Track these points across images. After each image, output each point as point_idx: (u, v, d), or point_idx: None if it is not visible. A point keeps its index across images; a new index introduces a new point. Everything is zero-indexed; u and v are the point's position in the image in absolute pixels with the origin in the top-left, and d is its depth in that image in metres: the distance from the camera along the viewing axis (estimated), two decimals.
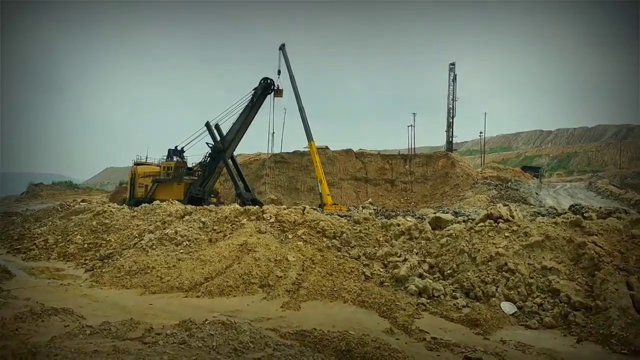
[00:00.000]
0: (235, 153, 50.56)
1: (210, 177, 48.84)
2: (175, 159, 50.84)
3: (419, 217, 23.24)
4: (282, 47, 49.91)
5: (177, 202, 26.38)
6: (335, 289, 14.19)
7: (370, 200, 46.39)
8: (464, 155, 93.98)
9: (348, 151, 71.23)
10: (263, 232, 17.63)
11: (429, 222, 16.51)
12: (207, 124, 48.24)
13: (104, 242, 22.48)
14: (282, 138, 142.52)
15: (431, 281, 13.67)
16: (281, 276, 15.03)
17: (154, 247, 18.73)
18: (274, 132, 79.01)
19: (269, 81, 48.95)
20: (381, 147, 76.95)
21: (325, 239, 16.92)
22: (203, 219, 19.76)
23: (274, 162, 70.55)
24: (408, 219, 17.76)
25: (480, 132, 79.85)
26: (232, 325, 8.73)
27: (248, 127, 49.81)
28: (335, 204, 51.75)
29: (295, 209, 19.03)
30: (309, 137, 51.24)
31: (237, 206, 21.73)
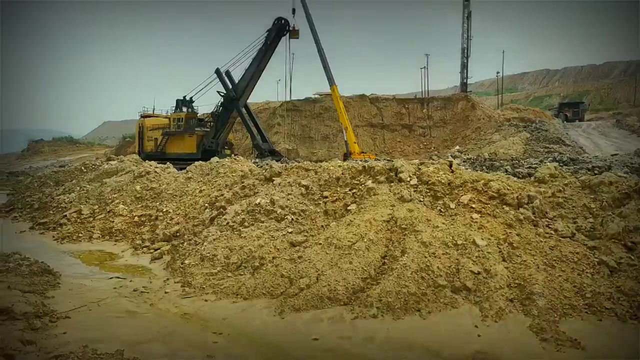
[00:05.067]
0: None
1: (224, 128, 43.73)
2: (184, 109, 45.00)
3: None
4: None
5: (241, 158, 20.16)
6: (584, 295, 8.46)
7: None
8: None
9: (362, 97, 64.19)
10: (408, 200, 11.66)
11: None
12: (218, 71, 42.63)
13: (160, 213, 16.40)
14: (291, 85, 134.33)
15: None
16: (479, 272, 9.21)
17: (246, 223, 12.72)
18: (279, 80, 72.08)
19: (283, 21, 42.71)
20: (394, 93, 69.95)
21: (507, 208, 11.02)
22: (304, 182, 13.67)
23: (285, 110, 63.68)
24: (619, 174, 11.88)
25: (498, 72, 73.08)
26: None
27: (262, 72, 44.28)
28: (363, 152, 46.18)
29: (439, 164, 12.98)
30: (331, 81, 45.33)
31: (338, 161, 15.60)
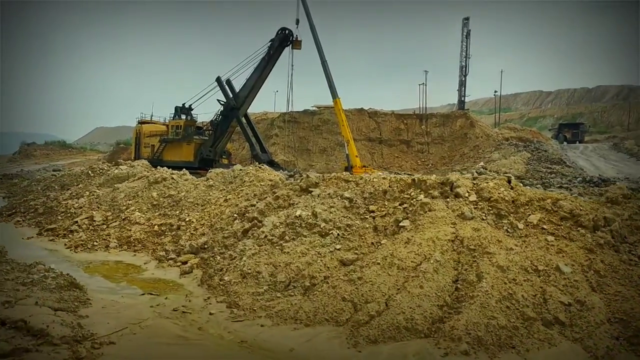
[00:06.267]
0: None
1: (222, 137, 42.21)
2: (183, 117, 43.50)
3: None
4: None
5: (266, 166, 18.87)
6: None
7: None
8: None
9: (360, 110, 63.06)
10: (469, 218, 10.53)
11: None
12: (218, 80, 41.08)
13: (183, 223, 15.05)
14: (291, 96, 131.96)
15: None
16: (570, 303, 8.07)
17: (287, 237, 11.47)
18: (277, 91, 70.74)
19: (287, 32, 41.52)
20: (390, 108, 69.32)
21: (583, 231, 9.95)
22: (347, 195, 12.47)
23: (283, 121, 62.32)
24: None
25: (495, 91, 72.77)
26: None
27: (263, 82, 42.82)
28: (365, 165, 45.02)
29: (495, 179, 11.89)
30: (334, 94, 44.09)
31: (380, 173, 14.43)
